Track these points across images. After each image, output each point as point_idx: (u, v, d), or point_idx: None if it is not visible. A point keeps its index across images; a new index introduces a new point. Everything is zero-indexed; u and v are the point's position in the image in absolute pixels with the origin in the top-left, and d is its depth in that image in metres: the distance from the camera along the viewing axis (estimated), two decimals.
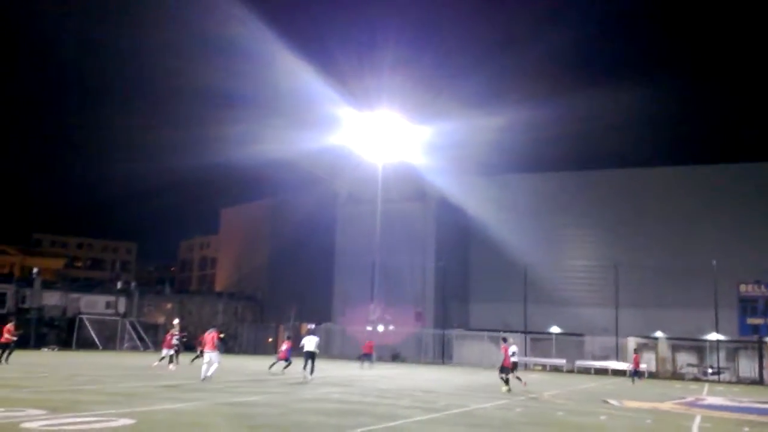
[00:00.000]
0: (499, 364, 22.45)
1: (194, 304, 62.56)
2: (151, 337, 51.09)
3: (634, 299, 47.35)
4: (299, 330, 59.44)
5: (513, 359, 22.33)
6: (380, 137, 46.83)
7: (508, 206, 52.86)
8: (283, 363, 24.81)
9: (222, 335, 24.11)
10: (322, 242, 59.16)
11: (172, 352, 26.24)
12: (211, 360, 20.12)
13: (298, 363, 23.51)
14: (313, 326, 56.72)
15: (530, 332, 48.82)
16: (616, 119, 65.51)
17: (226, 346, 50.83)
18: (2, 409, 11.21)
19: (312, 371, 22.01)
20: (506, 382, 21.36)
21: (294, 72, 48.11)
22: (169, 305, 61.82)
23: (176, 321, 28.63)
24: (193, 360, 27.43)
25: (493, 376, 30.59)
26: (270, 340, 61.72)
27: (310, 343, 22.61)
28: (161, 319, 58.40)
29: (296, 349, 24.96)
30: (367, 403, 15.54)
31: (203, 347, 21.71)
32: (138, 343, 50.11)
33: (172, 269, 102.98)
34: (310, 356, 22.18)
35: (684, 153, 63.60)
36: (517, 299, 48.90)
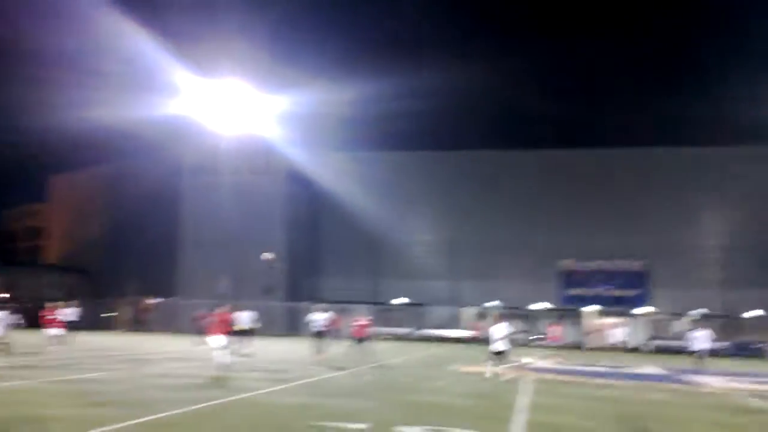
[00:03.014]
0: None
1: (21, 276, 57.51)
2: None
3: (471, 272, 50.44)
4: (139, 304, 56.72)
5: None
6: (228, 107, 45.37)
7: (358, 181, 53.75)
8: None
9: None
10: (166, 214, 56.57)
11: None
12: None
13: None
14: (155, 300, 54.42)
15: (378, 303, 50.44)
16: (463, 99, 68.22)
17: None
18: None
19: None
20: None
21: (133, 37, 44.95)
22: None
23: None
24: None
25: (344, 347, 31.31)
26: (106, 315, 58.38)
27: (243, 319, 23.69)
28: None
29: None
30: (218, 376, 15.33)
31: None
32: None
33: None
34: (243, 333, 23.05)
35: (519, 137, 67.83)
36: (366, 272, 50.24)
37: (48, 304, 22.31)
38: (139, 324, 53.23)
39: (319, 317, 20.96)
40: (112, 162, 66.46)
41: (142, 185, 58.80)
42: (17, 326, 22.28)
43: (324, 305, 21.50)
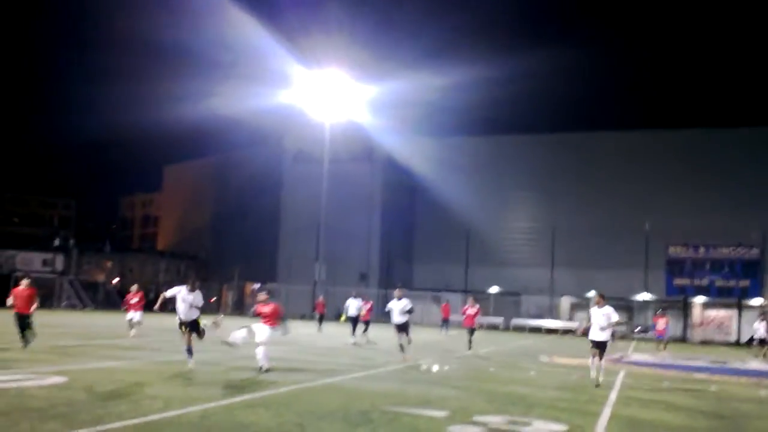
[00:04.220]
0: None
1: (135, 262, 61.53)
2: (90, 296, 50.17)
3: (569, 260, 49.03)
4: (243, 290, 59.28)
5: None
6: (328, 96, 46.33)
7: (452, 168, 53.48)
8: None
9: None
10: (267, 201, 58.75)
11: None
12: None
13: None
14: (258, 285, 56.62)
15: (470, 291, 50.12)
16: (557, 82, 66.55)
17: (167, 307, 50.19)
18: None
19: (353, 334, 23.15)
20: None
21: (242, 27, 47.03)
22: (109, 263, 60.65)
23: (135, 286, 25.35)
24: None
25: (434, 334, 31.44)
26: (213, 300, 61.37)
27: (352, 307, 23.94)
28: (101, 277, 57.32)
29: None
30: (307, 360, 15.84)
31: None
32: (77, 301, 49.14)
33: (112, 227, 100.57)
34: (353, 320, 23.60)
35: (621, 118, 65.39)
36: (459, 260, 49.99)
37: (132, 288, 22.01)
38: (242, 308, 55.65)
39: (396, 306, 17.12)
40: (220, 152, 69.77)
41: (247, 174, 61.38)
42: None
43: (399, 291, 17.80)
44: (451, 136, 57.06)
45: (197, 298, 12.90)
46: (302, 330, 28.53)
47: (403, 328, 16.82)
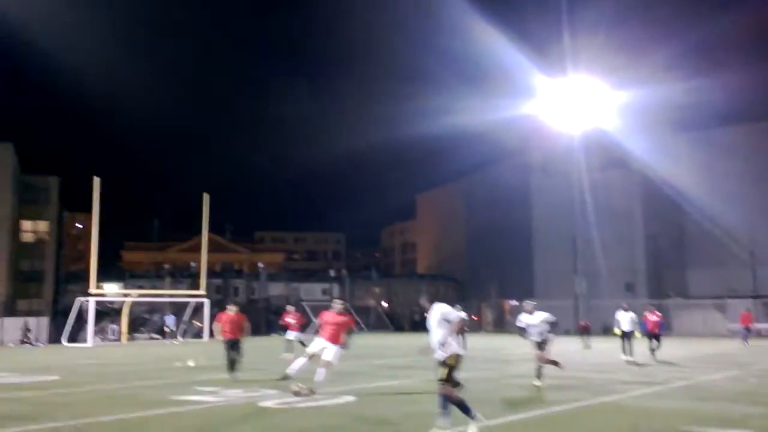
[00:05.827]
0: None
1: (399, 287, 65.25)
2: (363, 320, 54.38)
3: None
4: (501, 307, 59.33)
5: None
6: (573, 104, 44.77)
7: (722, 162, 47.76)
8: None
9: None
10: (518, 216, 58.37)
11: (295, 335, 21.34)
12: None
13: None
14: (515, 303, 56.31)
15: (761, 296, 43.89)
16: None
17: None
18: (241, 391, 12.63)
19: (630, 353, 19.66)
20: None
21: (484, 40, 47.56)
22: (377, 289, 65.20)
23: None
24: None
25: (718, 346, 28.14)
26: (474, 318, 62.20)
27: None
28: (371, 302, 61.86)
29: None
30: (580, 377, 15.13)
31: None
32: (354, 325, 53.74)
33: (376, 255, 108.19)
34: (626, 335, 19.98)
35: None
36: (741, 261, 44.25)
37: (289, 308, 22.34)
38: (502, 325, 55.72)
39: (530, 321, 13.83)
40: (465, 169, 71.65)
41: (494, 191, 61.89)
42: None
43: (529, 305, 13.90)
44: (712, 128, 50.85)
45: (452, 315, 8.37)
46: (568, 346, 27.48)
47: (540, 346, 13.50)
